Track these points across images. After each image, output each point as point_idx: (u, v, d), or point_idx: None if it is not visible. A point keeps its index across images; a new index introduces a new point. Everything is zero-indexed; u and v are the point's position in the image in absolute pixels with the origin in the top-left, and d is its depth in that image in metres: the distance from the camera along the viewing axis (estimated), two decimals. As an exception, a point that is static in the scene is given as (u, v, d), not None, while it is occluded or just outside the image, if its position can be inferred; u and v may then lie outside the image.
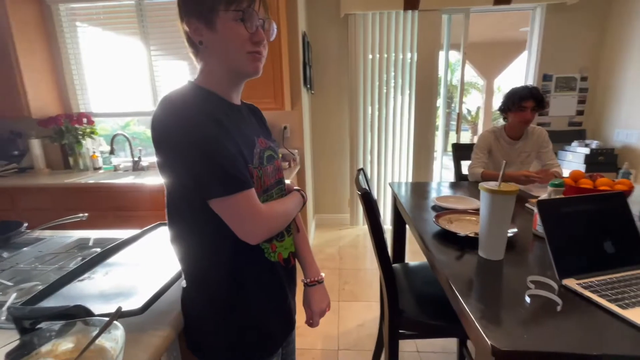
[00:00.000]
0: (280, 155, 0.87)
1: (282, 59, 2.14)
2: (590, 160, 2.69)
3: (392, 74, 3.03)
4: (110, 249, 0.89)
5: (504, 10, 2.91)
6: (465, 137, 10.18)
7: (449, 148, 3.26)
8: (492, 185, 0.82)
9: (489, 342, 0.57)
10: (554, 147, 1.89)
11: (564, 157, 2.91)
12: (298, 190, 0.80)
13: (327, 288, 0.85)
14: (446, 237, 1.04)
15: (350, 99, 3.07)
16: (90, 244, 1.07)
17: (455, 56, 6.00)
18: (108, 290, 0.71)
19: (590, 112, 3.02)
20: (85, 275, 0.77)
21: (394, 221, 1.75)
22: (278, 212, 0.66)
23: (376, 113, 3.12)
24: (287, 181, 0.83)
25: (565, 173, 1.77)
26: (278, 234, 0.72)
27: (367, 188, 0.99)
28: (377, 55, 2.99)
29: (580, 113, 3.04)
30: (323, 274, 0.85)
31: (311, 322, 0.83)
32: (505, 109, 1.81)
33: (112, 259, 0.86)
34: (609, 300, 0.65)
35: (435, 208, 1.34)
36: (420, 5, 2.79)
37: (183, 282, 0.70)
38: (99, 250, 1.00)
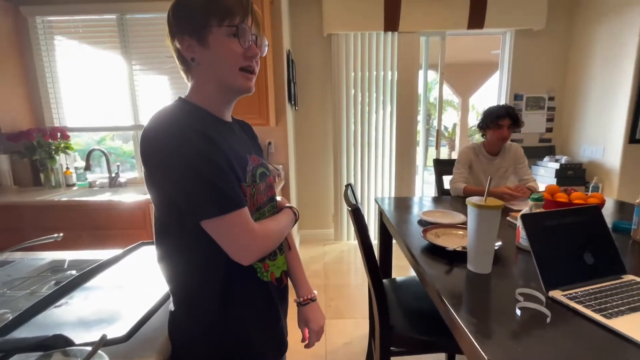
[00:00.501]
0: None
1: (267, 75, 2.16)
2: (560, 174, 2.84)
3: (374, 91, 3.12)
4: (89, 272, 0.84)
5: (476, 34, 3.09)
6: (443, 153, 10.54)
7: (429, 163, 3.37)
8: (478, 200, 0.84)
9: (485, 357, 0.57)
10: (528, 163, 1.98)
11: (537, 172, 3.05)
12: (290, 207, 0.79)
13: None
14: (434, 252, 1.05)
15: (334, 115, 3.12)
16: (66, 266, 1.01)
17: (432, 75, 6.27)
18: (88, 316, 0.66)
19: (558, 130, 3.22)
20: (62, 300, 0.72)
21: (380, 236, 1.76)
22: (271, 230, 0.65)
23: (359, 129, 3.18)
24: (279, 198, 0.82)
25: (540, 187, 1.86)
26: (270, 252, 0.71)
27: (356, 204, 1.00)
28: (360, 73, 3.07)
29: (549, 130, 3.23)
30: (315, 292, 0.83)
31: (307, 342, 0.81)
32: (483, 126, 1.89)
33: (91, 283, 0.81)
34: (594, 311, 0.68)
35: (421, 222, 1.36)
36: (400, 27, 2.92)
37: (170, 306, 0.66)
38: (75, 272, 0.94)
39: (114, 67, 2.49)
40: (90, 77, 2.51)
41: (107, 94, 2.54)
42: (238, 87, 0.64)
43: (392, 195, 3.28)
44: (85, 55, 2.49)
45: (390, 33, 2.97)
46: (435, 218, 1.36)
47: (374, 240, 2.74)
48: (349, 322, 2.01)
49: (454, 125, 10.26)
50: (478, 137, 2.02)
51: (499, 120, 1.79)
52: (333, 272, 2.70)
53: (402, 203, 1.75)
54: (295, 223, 0.79)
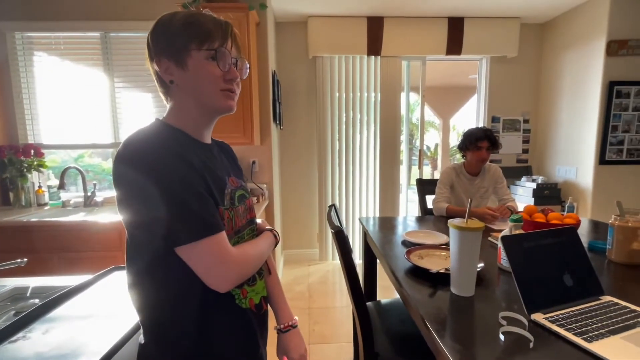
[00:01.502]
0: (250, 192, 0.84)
1: (252, 95, 2.17)
2: (537, 194, 2.94)
3: (358, 111, 3.18)
4: (52, 301, 0.78)
5: (454, 59, 3.24)
6: (426, 172, 10.78)
7: (413, 182, 3.42)
8: (459, 222, 0.85)
9: (470, 387, 0.55)
10: (507, 182, 2.04)
11: (515, 191, 3.14)
12: (270, 229, 0.77)
13: (296, 330, 0.80)
14: (417, 274, 1.04)
15: (319, 135, 3.15)
16: (28, 294, 0.94)
17: (415, 97, 6.50)
18: (48, 352, 0.61)
19: (534, 151, 3.36)
20: (19, 334, 0.66)
21: (364, 257, 1.75)
22: (250, 255, 0.63)
23: (343, 148, 3.21)
24: (259, 220, 0.80)
25: (520, 206, 1.91)
26: (249, 277, 0.68)
27: (339, 225, 0.98)
28: (344, 94, 3.14)
29: (525, 151, 3.36)
30: (297, 317, 0.80)
31: None
32: (463, 147, 1.94)
33: (54, 313, 0.75)
34: (575, 334, 0.68)
35: (405, 243, 1.36)
36: (382, 52, 3.03)
37: (140, 338, 0.62)
38: (37, 301, 0.88)
39: (95, 84, 2.45)
40: (69, 94, 2.46)
41: (87, 111, 2.48)
42: (219, 106, 0.64)
43: (377, 214, 3.29)
44: (66, 71, 2.45)
45: (373, 57, 3.08)
46: (418, 239, 1.36)
47: (358, 260, 2.71)
48: (333, 347, 1.95)
49: (436, 145, 10.56)
50: (459, 157, 2.08)
51: (478, 142, 1.85)
52: (318, 294, 2.63)
53: (386, 223, 1.75)
54: (275, 246, 0.76)
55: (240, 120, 2.16)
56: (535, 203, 2.93)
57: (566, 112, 2.98)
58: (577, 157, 2.87)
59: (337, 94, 3.14)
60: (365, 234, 1.68)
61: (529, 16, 3.03)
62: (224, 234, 0.58)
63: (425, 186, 2.31)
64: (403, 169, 3.49)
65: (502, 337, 0.69)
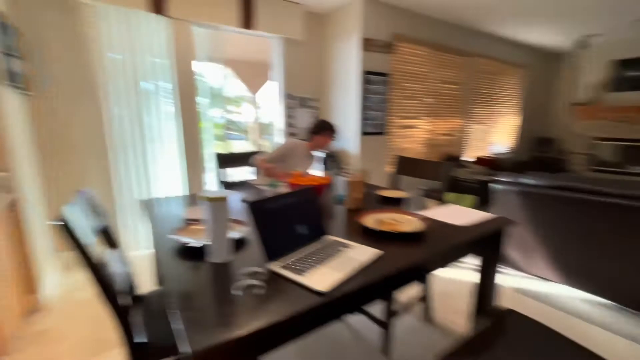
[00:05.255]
0: None
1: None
2: (325, 162, 3.56)
3: (144, 79, 2.74)
4: None
5: (250, 34, 3.31)
6: (245, 146, 10.92)
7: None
8: (207, 194, 0.87)
9: (189, 349, 0.58)
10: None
11: (310, 160, 3.69)
12: None
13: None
14: (183, 251, 1.02)
15: (95, 103, 2.54)
16: None
17: (217, 69, 6.31)
18: None
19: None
20: None
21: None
22: None
23: (135, 124, 2.73)
24: None
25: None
26: None
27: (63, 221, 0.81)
28: (123, 57, 2.61)
29: (316, 125, 3.94)
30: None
31: None
32: (319, 131, 2.28)
33: None
34: (293, 271, 0.84)
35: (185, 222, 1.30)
36: (169, 11, 2.68)
37: None
38: None
39: None
40: None
41: None
42: None
43: (187, 192, 3.08)
44: None
45: (160, 17, 2.68)
46: (198, 215, 1.33)
47: (146, 251, 2.45)
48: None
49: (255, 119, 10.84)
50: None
51: (334, 134, 2.30)
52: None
53: (169, 203, 1.63)
54: None
55: None
56: (327, 170, 3.54)
57: (338, 91, 3.67)
58: (347, 129, 3.63)
59: (117, 56, 2.59)
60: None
61: (309, 5, 3.42)
62: None
63: (224, 161, 2.33)
64: (211, 144, 3.36)
65: (239, 292, 0.77)
